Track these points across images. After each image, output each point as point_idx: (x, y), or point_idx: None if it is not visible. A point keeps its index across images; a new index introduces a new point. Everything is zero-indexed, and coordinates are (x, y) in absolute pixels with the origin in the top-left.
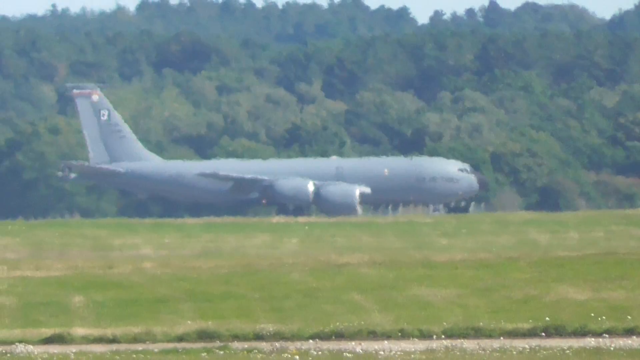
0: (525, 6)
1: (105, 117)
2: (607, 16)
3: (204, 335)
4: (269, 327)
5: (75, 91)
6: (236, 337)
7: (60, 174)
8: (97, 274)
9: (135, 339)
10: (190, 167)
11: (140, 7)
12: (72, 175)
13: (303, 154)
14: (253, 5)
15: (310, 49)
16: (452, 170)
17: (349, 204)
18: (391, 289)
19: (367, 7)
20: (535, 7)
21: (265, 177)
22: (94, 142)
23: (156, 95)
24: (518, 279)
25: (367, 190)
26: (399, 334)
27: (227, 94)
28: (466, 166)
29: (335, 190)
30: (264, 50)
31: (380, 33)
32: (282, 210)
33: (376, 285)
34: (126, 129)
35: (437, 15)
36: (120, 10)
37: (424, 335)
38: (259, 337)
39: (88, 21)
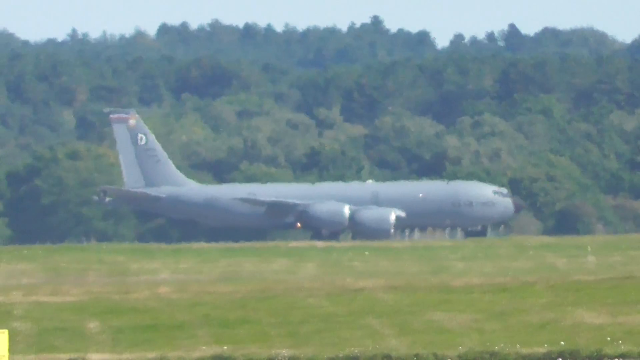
0: (545, 31)
1: (143, 142)
2: (628, 40)
3: None
4: (284, 352)
5: (112, 115)
6: None
7: (95, 198)
8: (114, 299)
9: None
10: (227, 191)
11: (160, 32)
12: (108, 199)
13: (322, 178)
14: (274, 30)
15: (330, 74)
16: (488, 193)
17: (385, 229)
18: (407, 314)
19: (387, 31)
20: (555, 32)
21: (301, 201)
22: (130, 167)
23: (176, 120)
24: (535, 304)
25: (403, 214)
26: (415, 358)
27: (247, 118)
28: (502, 190)
29: (371, 214)
30: (284, 75)
31: (400, 57)
32: (317, 234)
33: (392, 310)
34: (162, 154)
35: (457, 40)
36: (140, 35)
37: None
38: None
39: (108, 46)
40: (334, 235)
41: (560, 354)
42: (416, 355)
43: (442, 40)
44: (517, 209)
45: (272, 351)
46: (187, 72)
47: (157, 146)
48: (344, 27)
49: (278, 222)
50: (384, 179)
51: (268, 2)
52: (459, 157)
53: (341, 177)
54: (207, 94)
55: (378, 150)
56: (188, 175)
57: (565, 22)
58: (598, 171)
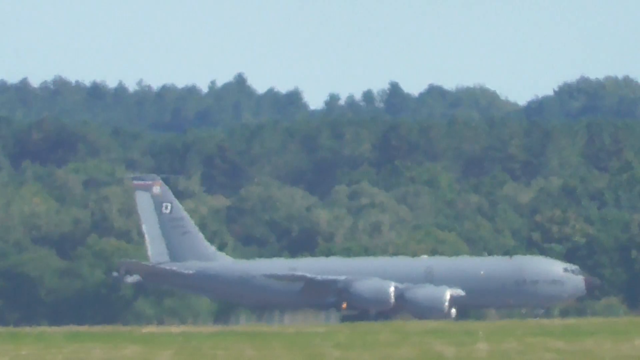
0: (430, 90)
1: (168, 211)
2: (523, 102)
3: None
4: None
5: (135, 182)
6: None
7: (115, 274)
8: None
9: None
10: (262, 267)
11: None
12: (132, 277)
13: None
14: (125, 89)
15: (189, 138)
16: (556, 271)
17: (438, 308)
18: None
19: (254, 91)
20: (441, 92)
21: (341, 278)
22: (154, 239)
23: (15, 190)
24: None
25: (460, 292)
26: None
27: (96, 188)
28: (573, 267)
29: (423, 293)
30: (137, 139)
31: (268, 120)
32: (363, 315)
33: None
34: (190, 224)
35: (332, 100)
36: None
37: None
38: None
39: None
40: (383, 315)
41: None
42: None
43: (315, 101)
44: (590, 288)
45: None
46: (27, 136)
47: (185, 216)
48: (204, 86)
49: (318, 301)
50: (250, 256)
51: (119, 57)
52: (332, 232)
53: None
54: (49, 160)
55: (243, 224)
56: (29, 251)
57: (452, 80)
58: (491, 249)
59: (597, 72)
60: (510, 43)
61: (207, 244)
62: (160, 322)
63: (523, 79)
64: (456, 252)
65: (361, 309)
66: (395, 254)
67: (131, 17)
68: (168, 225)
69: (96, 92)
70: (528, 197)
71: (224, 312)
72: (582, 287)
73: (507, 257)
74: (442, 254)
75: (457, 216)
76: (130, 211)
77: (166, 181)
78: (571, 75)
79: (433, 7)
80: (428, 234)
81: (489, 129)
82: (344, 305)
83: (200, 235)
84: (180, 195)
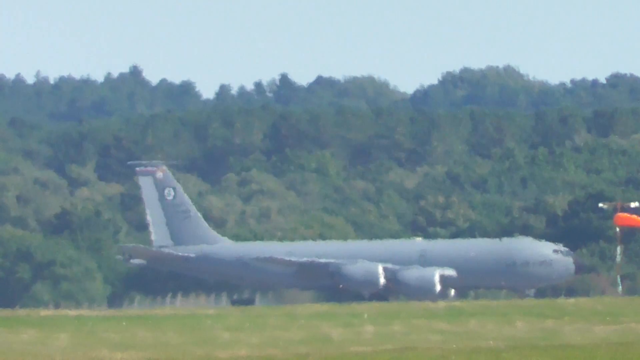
0: (319, 80)
1: (171, 196)
2: (410, 90)
3: None
4: None
5: (138, 168)
6: None
7: (120, 257)
8: None
9: None
10: (261, 250)
11: None
12: (137, 260)
13: (74, 241)
14: (23, 80)
15: (85, 128)
16: (545, 252)
17: (428, 288)
18: None
19: (148, 82)
20: (330, 82)
21: (331, 261)
22: (157, 224)
23: None
24: None
25: (452, 273)
26: None
27: None
28: (561, 248)
29: (413, 274)
30: (34, 129)
31: (161, 110)
32: (358, 296)
33: None
34: (193, 209)
35: (223, 90)
36: None
37: None
38: None
39: None
40: (379, 296)
41: None
42: None
43: (207, 92)
44: (579, 268)
45: None
46: None
47: (188, 201)
48: (99, 77)
49: (314, 283)
50: (143, 242)
51: (16, 49)
52: (223, 218)
53: (96, 241)
54: None
55: (137, 211)
56: None
57: (341, 70)
58: (376, 233)
59: (479, 62)
60: (398, 33)
61: (208, 227)
62: (57, 306)
63: (410, 68)
64: (344, 236)
65: (354, 291)
66: (284, 238)
67: (28, 9)
68: (171, 211)
69: None
70: (413, 182)
71: (118, 297)
72: (572, 267)
73: (497, 240)
74: (328, 238)
75: (344, 201)
76: (28, 199)
77: (170, 168)
78: (454, 65)
79: None
80: (316, 219)
81: (375, 118)
82: (341, 286)
83: (201, 219)
84: (74, 183)
